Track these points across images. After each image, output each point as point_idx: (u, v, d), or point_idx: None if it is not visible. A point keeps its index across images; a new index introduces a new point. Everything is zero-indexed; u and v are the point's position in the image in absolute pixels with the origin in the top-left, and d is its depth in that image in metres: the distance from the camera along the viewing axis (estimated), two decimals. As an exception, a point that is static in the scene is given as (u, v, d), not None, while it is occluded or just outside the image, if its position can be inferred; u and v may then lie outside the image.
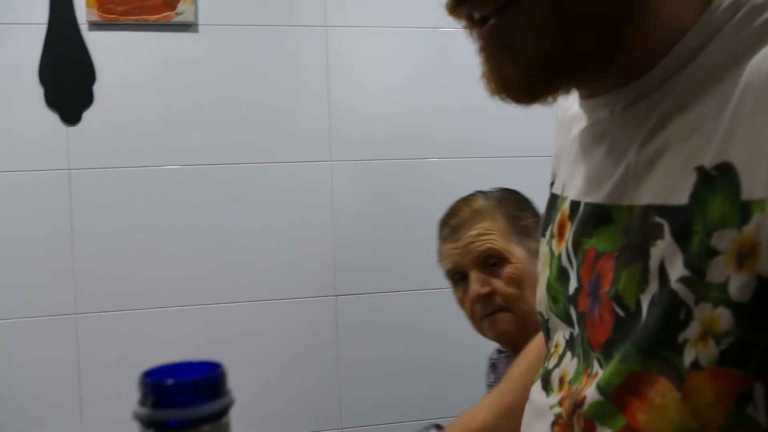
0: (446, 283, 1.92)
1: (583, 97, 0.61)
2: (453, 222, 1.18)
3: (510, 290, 1.12)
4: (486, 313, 1.13)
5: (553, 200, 0.69)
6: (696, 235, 0.45)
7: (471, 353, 1.89)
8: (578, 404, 0.54)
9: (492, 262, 1.13)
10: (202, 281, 1.77)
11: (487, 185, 1.91)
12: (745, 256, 0.42)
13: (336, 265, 1.85)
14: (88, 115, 1.73)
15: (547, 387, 0.64)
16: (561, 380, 0.62)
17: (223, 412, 0.35)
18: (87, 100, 1.73)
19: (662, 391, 0.46)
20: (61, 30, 1.71)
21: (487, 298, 1.12)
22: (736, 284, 0.42)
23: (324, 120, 1.84)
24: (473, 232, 1.15)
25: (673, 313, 0.46)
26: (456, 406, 1.86)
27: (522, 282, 1.12)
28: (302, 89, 1.83)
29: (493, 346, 1.32)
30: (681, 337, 0.45)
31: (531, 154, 1.87)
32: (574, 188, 0.62)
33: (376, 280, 1.86)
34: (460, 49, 1.90)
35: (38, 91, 1.71)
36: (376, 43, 1.86)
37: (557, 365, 0.63)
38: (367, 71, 1.86)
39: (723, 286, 0.43)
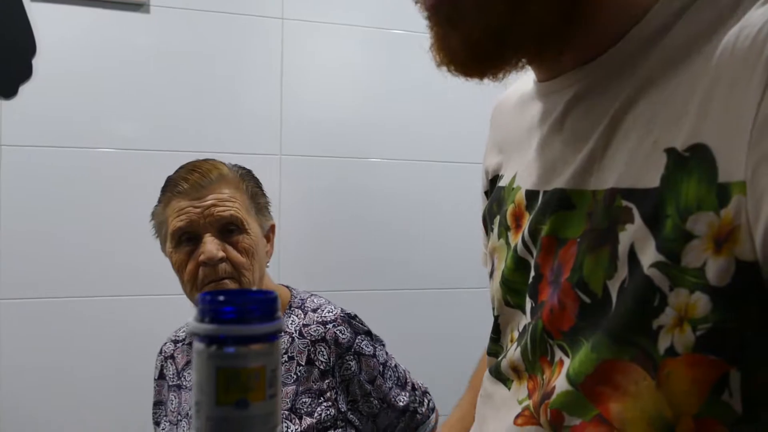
0: (391, 285, 1.95)
1: (540, 79, 0.60)
2: (197, 180, 1.10)
3: (243, 259, 1.09)
4: (213, 278, 1.07)
5: (499, 193, 0.67)
6: (669, 218, 0.44)
7: (415, 350, 1.90)
8: (546, 395, 0.53)
9: (230, 228, 1.10)
10: (131, 270, 1.70)
11: (434, 189, 1.95)
12: (723, 239, 0.41)
13: (280, 263, 1.82)
14: (24, 89, 1.64)
15: (500, 377, 0.62)
16: (516, 370, 0.60)
17: (273, 334, 0.35)
18: (25, 73, 1.64)
19: (636, 379, 0.45)
20: (1, -2, 1.62)
21: (217, 263, 1.07)
22: (714, 268, 0.41)
23: (276, 113, 1.82)
24: (220, 196, 1.10)
25: (646, 300, 0.45)
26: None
27: (254, 254, 1.11)
28: (254, 81, 1.80)
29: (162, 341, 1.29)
30: (655, 324, 0.44)
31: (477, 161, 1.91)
32: (530, 178, 0.60)
33: (318, 279, 1.85)
34: (415, 52, 1.93)
35: (-29, 60, 1.60)
36: (332, 39, 1.86)
37: (504, 356, 0.62)
38: (321, 67, 1.86)
39: (700, 271, 0.42)
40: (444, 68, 0.55)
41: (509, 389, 0.60)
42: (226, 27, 1.78)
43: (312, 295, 1.22)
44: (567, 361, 0.52)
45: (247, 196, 1.15)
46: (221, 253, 1.07)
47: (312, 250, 1.85)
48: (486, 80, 0.56)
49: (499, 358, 0.63)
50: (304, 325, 1.14)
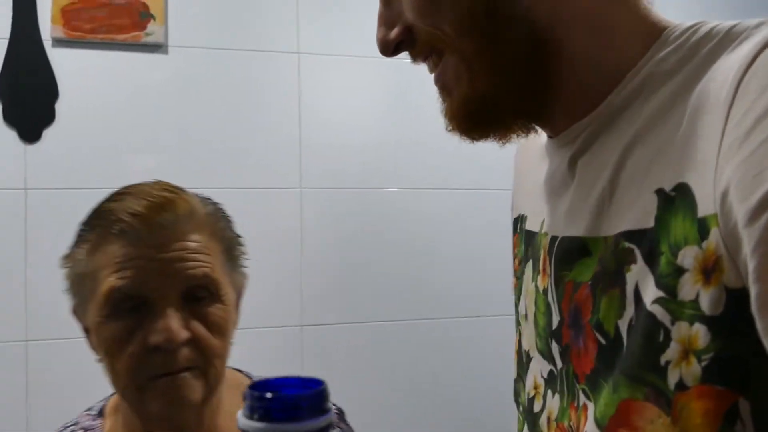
0: (413, 314, 1.94)
1: (549, 136, 0.64)
2: (158, 217, 0.73)
3: (214, 341, 0.75)
4: (168, 369, 0.72)
5: (532, 238, 0.69)
6: (663, 255, 0.47)
7: (445, 386, 1.89)
8: None
9: (200, 296, 0.75)
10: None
11: (456, 217, 1.95)
12: (710, 270, 0.44)
13: (303, 294, 1.82)
14: (48, 134, 1.67)
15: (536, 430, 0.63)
16: (548, 420, 0.61)
17: (325, 429, 0.34)
18: (48, 117, 1.67)
19: (651, 418, 0.46)
20: (23, 45, 1.65)
21: (178, 348, 0.72)
22: (707, 299, 0.44)
23: (294, 146, 1.83)
24: (189, 244, 0.74)
25: (652, 336, 0.47)
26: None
27: (227, 332, 0.78)
28: (273, 115, 1.82)
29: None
30: (663, 359, 0.46)
31: (501, 187, 1.91)
32: (551, 224, 0.63)
33: (343, 310, 1.84)
34: (431, 81, 1.94)
35: (-4, 107, 1.63)
36: (347, 71, 1.87)
37: (543, 407, 0.63)
38: (338, 99, 1.87)
39: (695, 303, 0.44)
40: (450, 131, 0.61)
41: None
42: (243, 64, 1.80)
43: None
44: (591, 406, 0.53)
45: (223, 246, 0.80)
46: (185, 333, 0.72)
47: (335, 283, 1.85)
48: (489, 141, 0.62)
49: (537, 410, 0.64)
50: None
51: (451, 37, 0.56)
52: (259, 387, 0.34)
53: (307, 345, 1.81)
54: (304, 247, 1.82)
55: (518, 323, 0.72)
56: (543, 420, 0.62)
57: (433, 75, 0.61)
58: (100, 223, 0.76)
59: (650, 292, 0.47)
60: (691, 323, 0.44)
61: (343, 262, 1.85)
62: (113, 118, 1.71)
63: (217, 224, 0.81)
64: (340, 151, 1.86)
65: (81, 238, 0.78)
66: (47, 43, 1.67)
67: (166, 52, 1.75)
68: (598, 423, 0.51)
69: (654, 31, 0.54)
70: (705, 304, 0.44)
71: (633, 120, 0.53)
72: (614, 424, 0.49)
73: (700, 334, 0.44)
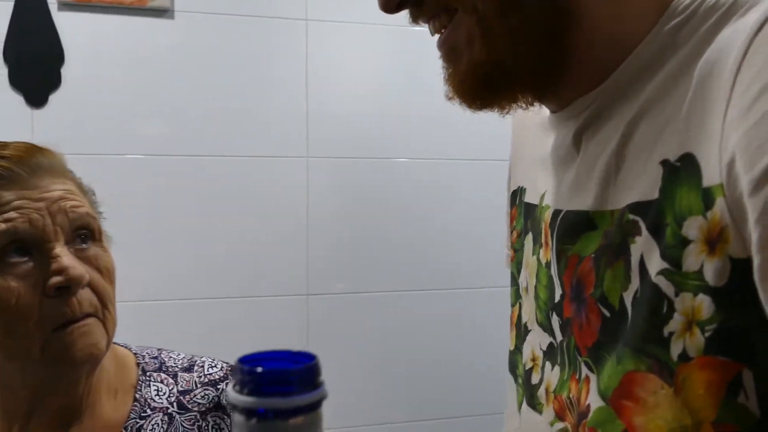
0: (418, 285, 1.94)
1: (551, 110, 0.63)
2: (32, 159, 0.70)
3: (108, 286, 0.72)
4: (71, 317, 0.67)
5: (532, 210, 0.69)
6: (668, 226, 0.47)
7: (446, 352, 1.90)
8: (583, 414, 0.54)
9: (83, 235, 0.71)
10: (166, 276, 1.72)
11: (462, 187, 1.93)
12: (715, 240, 0.43)
13: (309, 263, 1.82)
14: (54, 98, 1.66)
15: (534, 403, 0.63)
16: (546, 392, 0.61)
17: (315, 405, 0.34)
18: (54, 82, 1.66)
19: (654, 389, 0.47)
20: (28, 8, 1.63)
21: (78, 290, 0.68)
22: (711, 269, 0.43)
23: (301, 115, 1.81)
24: (68, 185, 0.72)
25: (656, 308, 0.47)
26: (428, 407, 1.87)
27: (114, 279, 0.74)
28: (280, 83, 1.80)
29: None
30: (666, 331, 0.46)
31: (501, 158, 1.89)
32: (554, 198, 0.62)
33: (349, 280, 1.84)
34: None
35: (1, 71, 1.62)
36: (356, 38, 1.85)
37: (542, 379, 0.63)
38: (346, 67, 1.84)
39: (699, 273, 0.44)
40: (454, 101, 0.60)
41: (541, 414, 0.62)
42: (250, 30, 1.77)
43: (160, 349, 0.86)
44: (593, 378, 0.53)
45: (87, 198, 0.76)
46: (86, 275, 0.68)
47: (341, 252, 1.84)
48: (489, 111, 0.60)
49: (536, 382, 0.64)
50: (183, 393, 0.79)
51: None
52: (248, 361, 0.34)
53: (312, 314, 1.81)
54: (310, 217, 1.82)
55: (518, 295, 0.72)
56: (541, 392, 0.62)
57: (437, 38, 0.59)
58: None
59: (655, 264, 0.47)
60: (695, 294, 0.44)
61: (349, 232, 1.85)
62: (119, 84, 1.70)
63: (77, 178, 0.77)
64: (348, 120, 1.84)
65: None
66: (53, 7, 1.65)
67: (172, 17, 1.72)
68: (602, 395, 0.51)
69: (663, 2, 0.53)
70: (709, 275, 0.44)
71: (640, 93, 0.52)
72: (617, 395, 0.49)
73: (704, 305, 0.44)
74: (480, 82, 0.55)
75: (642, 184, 0.50)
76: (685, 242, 0.45)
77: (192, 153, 1.73)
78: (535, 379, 0.64)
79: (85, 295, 0.68)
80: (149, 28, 1.71)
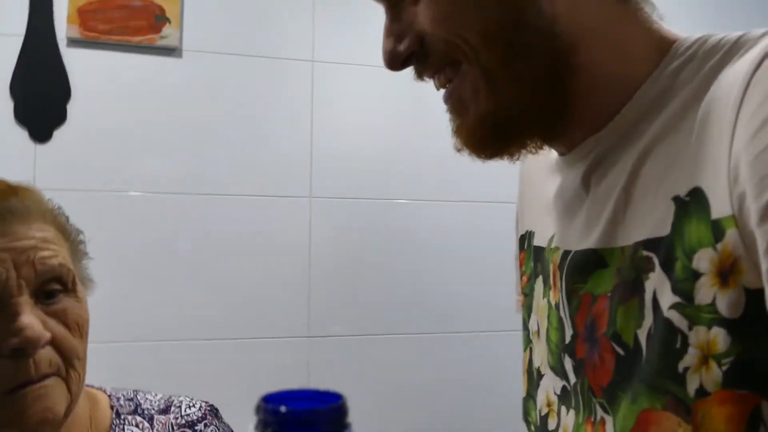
0: (422, 328, 1.90)
1: (559, 153, 0.64)
2: (3, 202, 0.66)
3: (75, 342, 0.67)
4: (27, 378, 0.62)
5: (540, 253, 0.69)
6: (678, 260, 0.47)
7: (454, 401, 1.86)
8: None
9: (53, 290, 0.66)
10: (166, 316, 1.69)
11: (465, 230, 1.92)
12: (727, 272, 0.43)
13: (311, 305, 1.79)
14: (59, 134, 1.65)
15: None
16: None
17: (341, 448, 0.32)
18: (59, 118, 1.66)
19: (671, 428, 0.46)
20: (38, 43, 1.64)
21: (38, 351, 0.63)
22: (725, 301, 0.43)
23: (306, 155, 1.81)
24: (36, 234, 0.66)
25: (669, 343, 0.46)
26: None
27: (85, 333, 0.69)
28: (285, 123, 1.80)
29: None
30: (681, 366, 0.45)
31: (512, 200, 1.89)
32: (563, 239, 0.62)
33: (351, 322, 1.82)
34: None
35: (8, 106, 1.62)
36: (361, 80, 1.86)
37: (558, 424, 0.61)
38: (351, 108, 1.85)
39: (712, 306, 0.44)
40: (461, 151, 0.60)
41: None
42: (257, 70, 1.78)
43: (136, 391, 0.82)
44: (609, 420, 0.52)
45: (69, 242, 0.72)
46: (47, 334, 0.63)
47: (343, 294, 1.82)
48: (498, 160, 0.61)
49: (553, 428, 0.62)
50: None
51: (474, 47, 0.55)
52: (272, 400, 0.32)
53: (314, 356, 1.78)
54: (312, 257, 1.80)
55: (528, 340, 0.71)
56: None
57: (443, 92, 0.59)
58: None
59: (666, 299, 0.47)
60: (709, 327, 0.44)
61: (352, 273, 1.83)
62: (125, 121, 1.70)
63: (60, 219, 0.72)
64: (351, 161, 1.84)
65: None
66: (62, 43, 1.66)
67: (180, 55, 1.74)
68: None
69: (663, 45, 0.55)
70: (723, 307, 0.43)
71: (646, 132, 0.53)
72: None
73: (719, 338, 0.43)
74: (488, 132, 0.56)
75: (653, 220, 0.50)
76: (696, 275, 0.45)
77: (195, 191, 1.72)
78: (551, 425, 0.62)
79: (45, 354, 0.63)
80: (157, 67, 1.72)
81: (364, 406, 1.78)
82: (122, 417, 0.76)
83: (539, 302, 0.67)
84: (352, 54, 1.85)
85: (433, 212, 1.89)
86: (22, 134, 1.63)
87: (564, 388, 0.60)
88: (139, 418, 0.77)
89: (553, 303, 0.62)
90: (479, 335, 1.89)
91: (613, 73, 0.55)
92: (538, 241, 0.70)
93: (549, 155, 0.70)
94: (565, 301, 0.59)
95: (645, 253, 0.50)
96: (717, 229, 0.44)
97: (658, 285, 0.48)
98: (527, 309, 0.72)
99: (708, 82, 0.49)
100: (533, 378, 0.68)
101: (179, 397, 0.82)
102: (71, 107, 1.66)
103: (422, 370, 1.85)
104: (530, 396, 0.68)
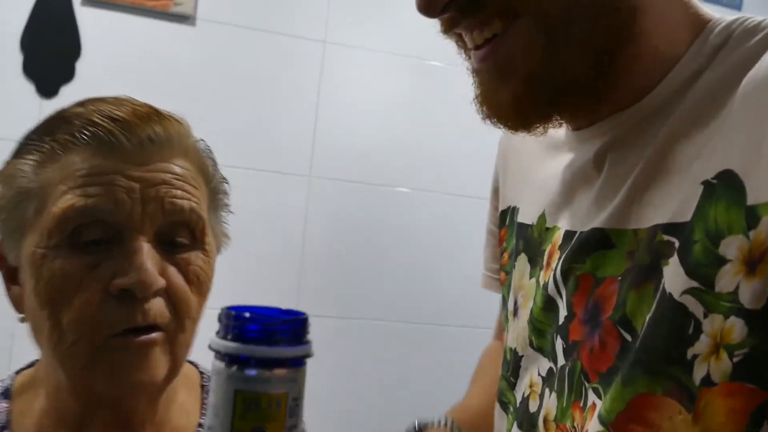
0: (407, 317, 1.91)
1: (574, 128, 0.60)
2: (143, 126, 0.58)
3: (192, 298, 0.58)
4: (129, 324, 0.54)
5: (524, 230, 0.66)
6: (697, 244, 0.44)
7: (435, 390, 1.86)
8: None
9: (179, 237, 0.58)
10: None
11: (462, 223, 1.92)
12: (757, 261, 0.41)
13: (300, 284, 1.80)
14: (65, 91, 1.66)
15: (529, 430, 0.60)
16: (545, 421, 0.58)
17: (301, 360, 0.32)
18: (67, 75, 1.66)
19: (670, 414, 0.44)
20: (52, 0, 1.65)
21: (149, 297, 0.55)
22: (749, 291, 0.41)
23: (309, 134, 1.81)
24: (178, 169, 0.59)
25: (680, 328, 0.44)
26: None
27: (206, 291, 0.61)
28: (291, 100, 1.80)
29: None
30: (690, 353, 0.44)
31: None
32: (567, 219, 0.60)
33: (338, 304, 1.82)
34: (454, 85, 1.92)
35: (17, 59, 1.62)
36: (372, 66, 1.86)
37: (540, 406, 0.59)
38: (358, 93, 1.85)
39: (733, 295, 0.42)
40: (489, 120, 0.56)
41: None
42: (269, 45, 1.79)
43: None
44: (599, 404, 0.50)
45: (209, 187, 0.64)
46: (161, 280, 0.55)
47: (334, 275, 1.82)
48: (524, 132, 0.57)
49: (534, 410, 0.60)
50: None
51: None
52: (236, 309, 0.32)
53: (297, 335, 1.78)
54: (306, 236, 1.80)
55: (507, 321, 0.68)
56: (540, 420, 0.58)
57: (479, 52, 0.53)
58: (62, 129, 0.57)
59: (680, 283, 0.45)
60: (727, 316, 0.42)
61: (343, 255, 1.83)
62: (131, 84, 1.69)
63: (205, 160, 0.65)
64: (354, 144, 1.84)
65: (26, 148, 0.58)
66: (76, 1, 1.66)
67: (193, 24, 1.74)
68: (602, 419, 0.48)
69: (698, 23, 0.52)
70: (745, 297, 0.42)
71: (676, 113, 0.51)
72: (624, 419, 0.46)
73: (735, 328, 0.42)
74: (535, 98, 0.51)
75: (676, 203, 0.48)
76: (720, 261, 0.43)
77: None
78: (533, 407, 0.60)
79: (156, 304, 0.55)
80: (169, 33, 1.72)
81: (349, 388, 1.79)
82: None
83: (524, 282, 0.65)
84: (364, 38, 1.85)
85: (434, 203, 1.89)
86: (29, 88, 1.63)
87: (550, 369, 0.58)
88: None
89: (542, 282, 0.60)
90: (468, 330, 1.89)
91: (657, 48, 0.52)
92: (522, 218, 0.68)
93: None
94: (561, 282, 0.57)
95: (666, 237, 0.47)
96: (752, 215, 0.42)
97: (671, 271, 0.46)
98: (507, 288, 0.70)
99: (747, 63, 0.47)
100: (507, 359, 0.66)
101: None
102: (80, 65, 1.67)
103: (407, 358, 1.85)
104: (503, 377, 0.66)
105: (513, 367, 0.64)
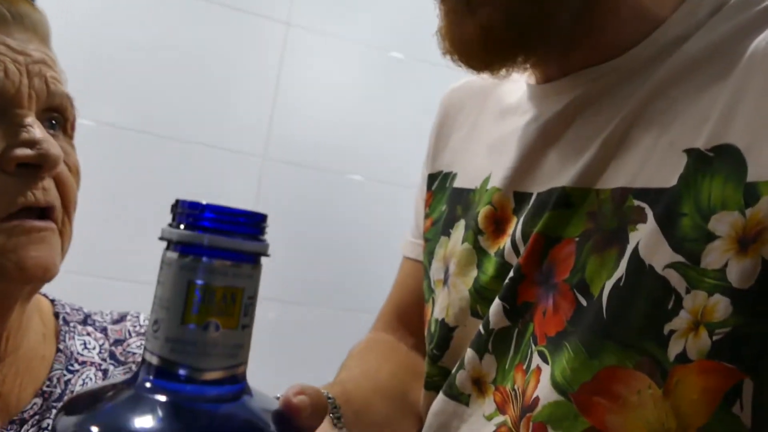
0: (353, 305, 1.89)
1: (539, 79, 0.58)
2: (20, 4, 0.55)
3: (75, 187, 0.56)
4: (31, 203, 0.51)
5: (461, 195, 0.63)
6: (686, 217, 0.43)
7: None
8: (528, 407, 0.49)
9: (53, 119, 0.56)
10: (95, 255, 1.63)
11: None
12: (750, 239, 0.40)
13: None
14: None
15: (453, 393, 0.57)
16: (481, 383, 0.55)
17: (257, 255, 0.31)
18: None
19: (639, 388, 0.43)
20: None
21: (50, 175, 0.52)
22: (738, 269, 0.40)
23: (266, 115, 1.78)
24: (48, 52, 0.56)
25: (660, 302, 0.43)
26: None
27: (78, 186, 0.58)
28: (250, 80, 1.77)
29: None
30: (667, 328, 0.43)
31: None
32: (519, 180, 0.57)
33: (285, 290, 1.79)
34: (414, 78, 1.92)
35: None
36: (334, 53, 1.85)
37: (461, 367, 0.57)
38: (318, 79, 1.84)
39: (721, 272, 0.41)
40: (450, 57, 0.53)
41: (468, 405, 0.56)
42: (231, 21, 1.75)
43: (76, 306, 0.69)
44: (546, 369, 0.48)
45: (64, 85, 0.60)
46: (61, 154, 0.52)
47: (284, 259, 1.79)
48: (486, 74, 0.54)
49: (454, 371, 0.57)
50: (115, 343, 0.66)
51: None
52: (193, 201, 0.30)
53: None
54: (256, 218, 1.77)
55: (431, 290, 0.64)
56: (469, 383, 0.56)
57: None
58: None
59: (663, 255, 0.43)
60: (711, 293, 0.41)
61: (291, 241, 1.80)
62: (83, 50, 1.64)
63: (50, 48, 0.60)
64: (311, 130, 1.82)
65: None
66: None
67: (153, -6, 1.69)
68: (560, 387, 0.46)
69: None
70: (733, 275, 0.41)
71: (656, 75, 0.49)
72: (587, 390, 0.45)
73: (719, 306, 0.41)
74: (505, 34, 0.49)
75: (650, 168, 0.46)
76: (710, 237, 0.42)
77: (147, 132, 1.68)
78: (462, 374, 0.57)
79: (52, 184, 0.52)
80: (127, 4, 1.67)
81: (289, 377, 1.76)
82: (71, 324, 0.64)
83: (455, 247, 0.61)
84: (328, 24, 1.84)
85: (385, 194, 1.89)
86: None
87: (478, 332, 0.55)
88: (90, 329, 0.65)
89: (489, 249, 0.57)
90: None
91: (640, 5, 0.51)
92: (461, 183, 0.64)
93: (494, 94, 0.65)
94: (521, 245, 0.54)
95: (636, 202, 0.46)
96: (751, 193, 0.41)
97: (648, 239, 0.45)
98: (428, 255, 0.66)
99: (742, 35, 0.45)
100: (430, 332, 0.62)
101: (134, 311, 0.72)
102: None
103: (347, 347, 1.84)
104: (434, 353, 0.61)
105: (440, 339, 0.61)
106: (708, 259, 0.42)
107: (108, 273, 1.65)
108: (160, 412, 0.28)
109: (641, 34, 0.51)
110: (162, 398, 0.28)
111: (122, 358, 0.65)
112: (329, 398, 0.55)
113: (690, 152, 0.44)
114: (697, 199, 0.43)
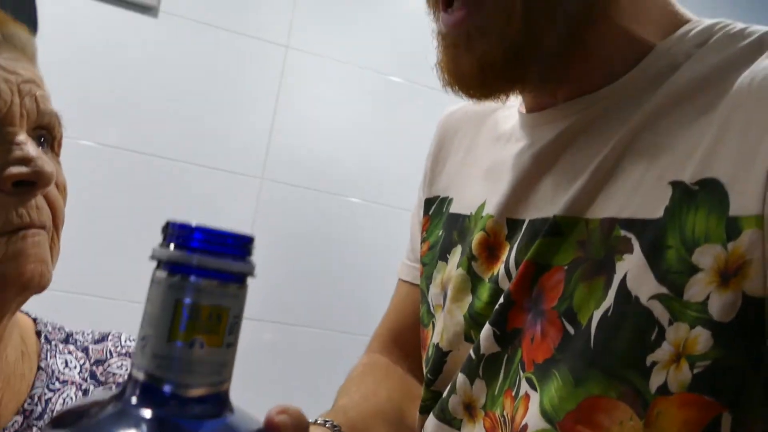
0: (347, 327, 1.89)
1: (529, 109, 0.60)
2: (8, 25, 0.57)
3: (62, 205, 0.57)
4: (29, 222, 0.51)
5: (458, 221, 0.64)
6: (671, 249, 0.44)
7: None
8: None
9: (42, 137, 0.56)
10: (100, 274, 1.64)
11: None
12: (731, 273, 0.41)
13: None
14: (16, 69, 1.61)
15: (446, 418, 0.58)
16: (471, 408, 0.56)
17: (243, 276, 0.32)
18: (20, 53, 1.61)
19: (621, 419, 0.43)
20: (11, -25, 1.61)
21: (42, 191, 0.53)
22: (719, 303, 0.41)
23: (264, 136, 1.80)
24: (36, 72, 0.58)
25: (643, 334, 0.44)
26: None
27: (65, 204, 0.59)
28: (250, 102, 1.79)
29: None
30: (650, 359, 0.43)
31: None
32: (512, 207, 0.58)
33: (280, 310, 1.79)
34: (412, 102, 1.94)
35: (-32, 30, 1.58)
36: (332, 75, 1.87)
37: (452, 392, 0.57)
38: (317, 100, 1.86)
39: (702, 305, 0.41)
40: (449, 88, 0.55)
41: (459, 430, 0.57)
42: (231, 45, 1.78)
43: (57, 325, 0.69)
44: (534, 396, 0.49)
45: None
46: (51, 167, 0.52)
47: (276, 282, 1.80)
48: (487, 102, 0.57)
49: (445, 395, 0.58)
50: (96, 363, 0.66)
51: None
52: (182, 222, 0.31)
53: (242, 341, 1.74)
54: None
55: (431, 315, 0.65)
56: (461, 408, 0.56)
57: (451, 16, 0.52)
58: None
59: (648, 287, 0.44)
60: (693, 326, 0.42)
61: (289, 262, 1.81)
62: (87, 71, 1.66)
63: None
64: (309, 151, 1.84)
65: None
66: (37, -20, 1.63)
67: (156, 15, 1.72)
68: (547, 415, 0.47)
69: (677, 21, 0.53)
70: (714, 308, 0.41)
71: (646, 104, 0.50)
72: (572, 419, 0.46)
73: (700, 338, 0.41)
74: (507, 66, 0.51)
75: (638, 199, 0.47)
76: (693, 270, 0.42)
77: (142, 151, 1.70)
78: (455, 399, 0.59)
79: (43, 202, 0.53)
80: (131, 23, 1.70)
81: (284, 394, 1.75)
82: (53, 343, 0.65)
83: (452, 273, 0.62)
84: (327, 47, 1.86)
85: (382, 216, 1.90)
86: (-23, 62, 1.58)
87: (469, 357, 0.56)
88: (71, 347, 0.66)
89: (484, 276, 0.58)
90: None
91: (629, 34, 0.52)
92: (457, 209, 0.66)
93: (488, 122, 0.67)
94: (504, 271, 0.55)
95: (623, 232, 0.47)
96: (732, 227, 0.41)
97: (633, 270, 0.45)
98: (426, 279, 0.67)
99: (729, 69, 0.46)
100: (428, 356, 0.63)
101: (116, 331, 0.72)
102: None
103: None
104: (428, 378, 0.62)
105: (434, 363, 0.62)
106: (691, 291, 0.42)
107: (107, 293, 1.65)
108: (144, 428, 0.28)
109: (631, 60, 0.52)
110: (147, 414, 0.29)
111: (102, 378, 0.65)
112: (335, 426, 0.57)
113: (676, 185, 0.45)
114: (682, 232, 0.44)
